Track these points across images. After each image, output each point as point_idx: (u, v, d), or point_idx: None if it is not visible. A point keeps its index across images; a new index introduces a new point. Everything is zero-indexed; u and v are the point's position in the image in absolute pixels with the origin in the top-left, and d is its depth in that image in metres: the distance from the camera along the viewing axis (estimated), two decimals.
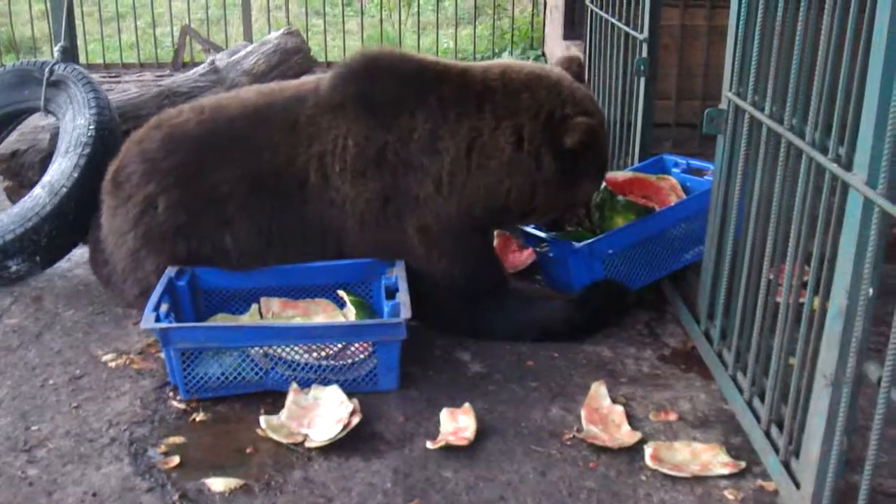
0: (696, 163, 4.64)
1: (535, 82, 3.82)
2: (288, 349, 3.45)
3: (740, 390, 3.26)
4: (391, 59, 3.96)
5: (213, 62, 5.75)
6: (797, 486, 2.72)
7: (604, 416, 3.29)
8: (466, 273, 3.84)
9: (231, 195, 3.79)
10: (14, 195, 4.92)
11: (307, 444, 3.12)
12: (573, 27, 8.02)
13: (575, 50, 7.30)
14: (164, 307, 3.48)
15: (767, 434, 3.00)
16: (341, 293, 3.80)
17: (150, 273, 3.83)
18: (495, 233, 4.35)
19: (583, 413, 3.30)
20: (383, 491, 2.91)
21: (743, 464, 3.00)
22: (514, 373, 3.62)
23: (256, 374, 3.43)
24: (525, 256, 4.52)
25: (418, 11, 9.96)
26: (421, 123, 3.75)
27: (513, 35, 9.83)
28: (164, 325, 3.36)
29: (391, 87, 3.82)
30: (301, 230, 3.82)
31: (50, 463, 3.07)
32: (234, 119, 3.92)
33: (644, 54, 4.76)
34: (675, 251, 4.13)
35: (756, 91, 3.19)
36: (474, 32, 9.86)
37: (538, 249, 4.26)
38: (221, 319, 3.81)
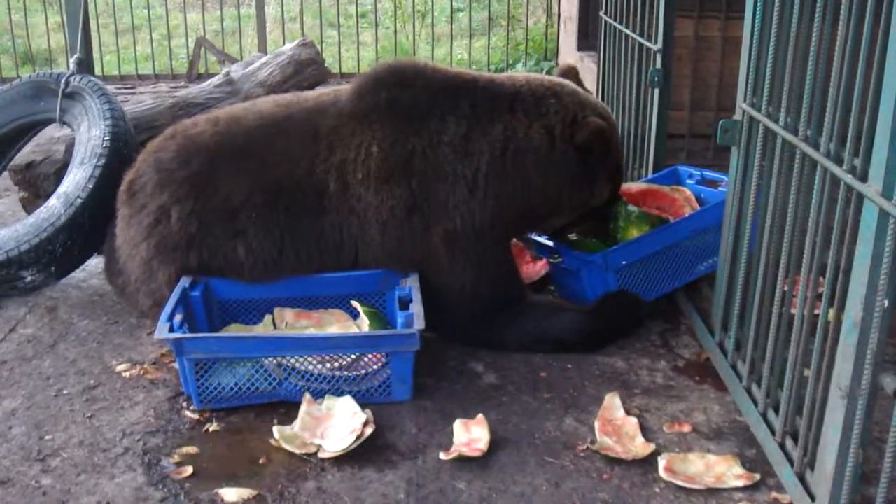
0: (710, 174, 4.64)
1: (558, 90, 3.92)
2: (301, 360, 3.45)
3: (755, 402, 3.25)
4: (418, 67, 3.99)
5: (227, 73, 5.78)
6: (812, 498, 2.71)
7: (617, 427, 3.28)
8: (489, 282, 3.84)
9: (244, 206, 3.79)
10: (29, 206, 4.94)
11: (320, 455, 3.12)
12: (587, 38, 8.04)
13: (589, 62, 7.31)
14: (177, 317, 3.49)
15: (782, 446, 2.99)
16: (355, 304, 3.81)
17: (163, 284, 3.84)
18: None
19: (596, 424, 3.29)
20: (396, 502, 2.91)
21: (757, 476, 2.98)
22: (528, 384, 3.62)
23: (270, 384, 3.43)
24: (539, 267, 4.51)
25: (432, 23, 10.01)
26: (453, 127, 3.77)
27: (527, 46, 9.85)
28: (177, 335, 3.37)
29: (422, 93, 3.84)
30: (316, 241, 3.81)
31: (64, 473, 3.08)
32: (249, 130, 3.92)
33: (658, 65, 4.76)
34: (689, 262, 4.12)
35: (770, 102, 3.19)
36: (488, 43, 9.88)
37: (552, 260, 4.26)
38: (235, 330, 3.82)
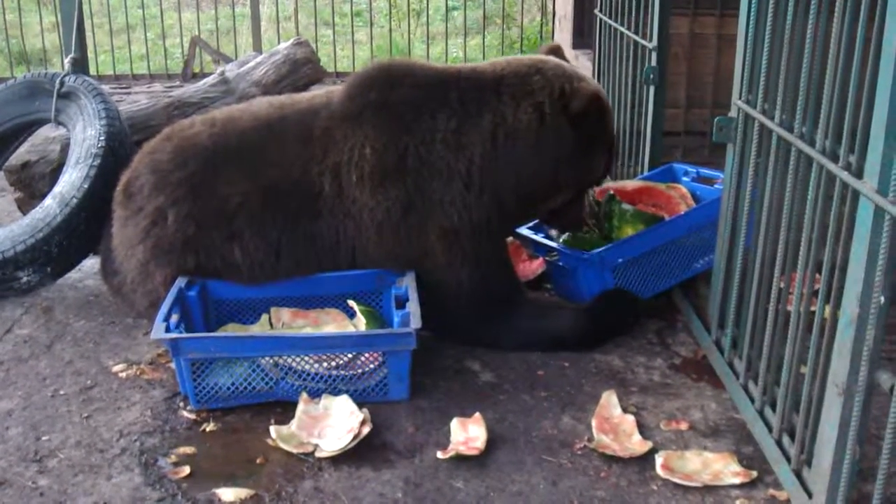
0: (705, 171, 4.63)
1: (542, 66, 3.89)
2: (298, 359, 3.45)
3: (752, 399, 3.25)
4: (407, 66, 3.99)
5: (222, 73, 5.77)
6: (809, 495, 2.71)
7: (615, 425, 3.28)
8: (486, 280, 3.83)
9: (241, 208, 3.79)
10: (25, 206, 4.93)
11: (317, 454, 3.12)
12: (582, 36, 8.04)
13: (584, 59, 7.31)
14: (174, 317, 3.49)
15: (779, 443, 2.99)
16: (351, 303, 3.80)
17: (159, 285, 3.83)
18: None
19: (593, 422, 3.29)
20: (394, 501, 2.91)
21: (754, 473, 2.98)
22: (525, 382, 3.62)
23: (267, 384, 3.43)
24: (535, 266, 4.51)
25: (427, 21, 10.00)
26: (443, 122, 3.76)
27: (522, 44, 9.85)
28: (174, 335, 3.36)
29: (411, 91, 3.83)
30: (312, 243, 3.80)
31: (61, 473, 3.07)
32: (245, 132, 3.92)
33: (653, 63, 4.76)
34: (686, 260, 4.12)
35: (766, 99, 3.19)
36: (483, 42, 9.89)
37: (548, 259, 4.26)
38: (232, 329, 3.81)
